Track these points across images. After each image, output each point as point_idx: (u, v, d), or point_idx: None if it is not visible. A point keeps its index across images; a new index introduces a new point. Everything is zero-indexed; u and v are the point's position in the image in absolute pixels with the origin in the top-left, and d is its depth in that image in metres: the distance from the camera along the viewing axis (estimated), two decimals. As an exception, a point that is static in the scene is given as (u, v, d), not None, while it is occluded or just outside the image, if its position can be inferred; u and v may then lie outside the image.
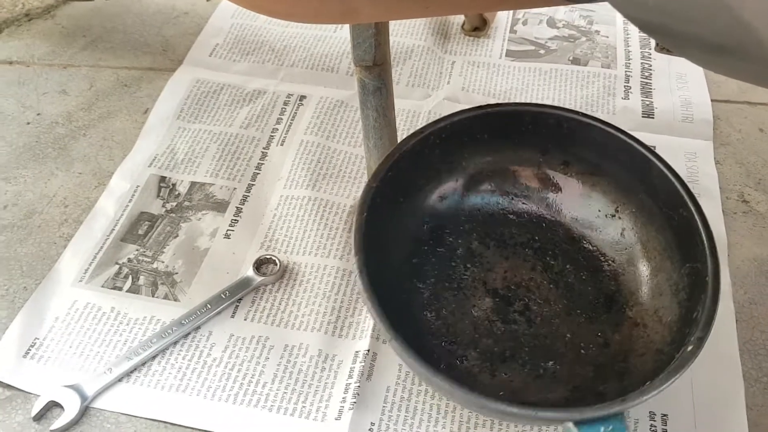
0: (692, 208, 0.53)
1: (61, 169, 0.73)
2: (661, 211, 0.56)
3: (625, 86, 0.80)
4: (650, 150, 0.57)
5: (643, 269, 0.57)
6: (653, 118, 0.77)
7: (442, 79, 0.82)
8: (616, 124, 0.75)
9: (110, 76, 0.84)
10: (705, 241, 0.51)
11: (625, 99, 0.79)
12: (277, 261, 0.63)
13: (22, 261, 0.65)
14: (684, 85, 0.80)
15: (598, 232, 0.60)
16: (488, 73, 0.83)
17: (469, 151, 0.61)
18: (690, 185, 0.69)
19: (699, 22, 0.30)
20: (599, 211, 0.60)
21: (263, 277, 0.62)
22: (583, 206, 0.61)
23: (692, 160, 0.72)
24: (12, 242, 0.66)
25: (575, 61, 0.83)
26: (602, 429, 0.42)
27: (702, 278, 0.49)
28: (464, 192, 0.62)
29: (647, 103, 0.78)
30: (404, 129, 0.75)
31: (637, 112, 0.77)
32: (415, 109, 0.78)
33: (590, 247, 0.60)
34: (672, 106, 0.78)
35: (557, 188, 0.62)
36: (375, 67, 0.59)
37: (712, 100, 0.78)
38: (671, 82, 0.81)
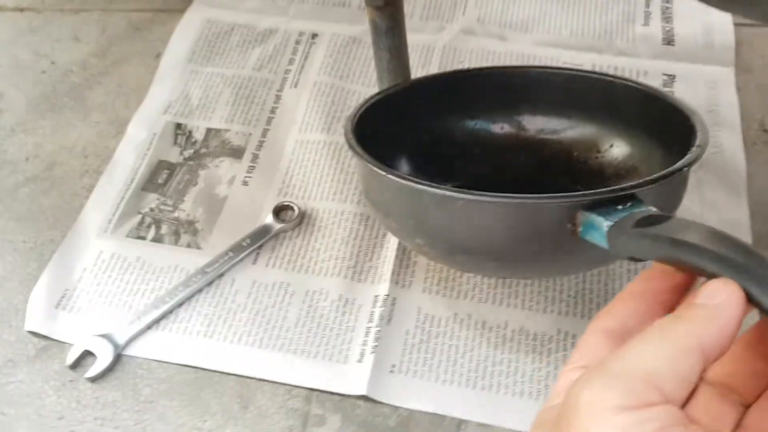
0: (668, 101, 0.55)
1: (78, 118, 0.74)
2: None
3: (645, 11, 0.78)
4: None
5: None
6: (674, 45, 0.75)
7: (457, 10, 0.80)
8: (637, 53, 0.75)
9: (122, 19, 0.84)
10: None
11: (645, 25, 0.76)
12: (295, 207, 0.64)
13: (47, 213, 0.66)
14: (706, 8, 0.77)
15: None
16: (505, 2, 0.81)
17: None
18: (710, 116, 0.69)
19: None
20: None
21: (282, 224, 0.63)
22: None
23: (713, 88, 0.71)
24: (36, 194, 0.68)
25: (594, -14, 0.81)
26: (620, 207, 0.39)
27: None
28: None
29: (668, 29, 0.76)
30: (418, 65, 0.74)
31: (657, 39, 0.75)
32: (430, 44, 0.77)
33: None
34: (693, 31, 0.76)
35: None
36: (387, 6, 0.58)
37: (735, 24, 0.76)
38: (693, 6, 0.78)
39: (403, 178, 0.47)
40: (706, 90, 0.71)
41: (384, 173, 0.47)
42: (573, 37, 0.76)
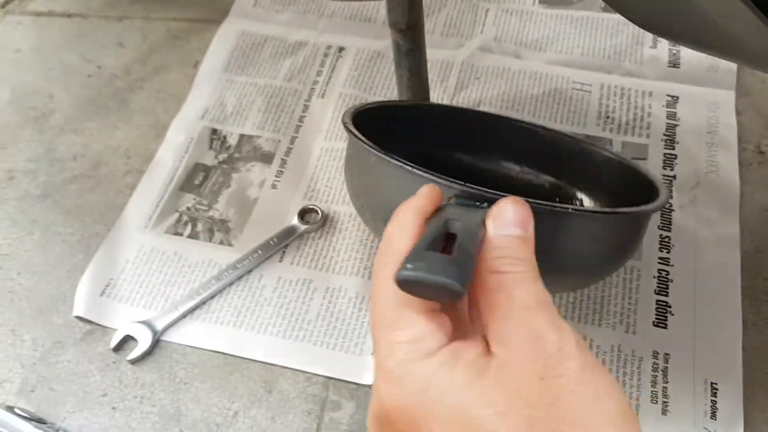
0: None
1: (122, 121, 0.80)
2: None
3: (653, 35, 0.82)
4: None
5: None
6: (679, 67, 0.79)
7: (476, 28, 0.85)
8: (643, 74, 0.79)
9: (161, 27, 0.90)
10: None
11: (652, 48, 0.81)
12: (318, 210, 0.69)
13: (93, 208, 0.73)
14: (712, 33, 0.82)
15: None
16: (521, 21, 0.85)
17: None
18: (709, 136, 0.73)
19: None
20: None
21: (307, 226, 0.69)
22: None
23: (713, 110, 0.75)
24: (83, 191, 0.74)
25: (606, 9, 0.85)
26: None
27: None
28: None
29: (674, 52, 0.80)
30: (437, 80, 0.79)
31: (663, 61, 0.80)
32: (449, 60, 0.82)
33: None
34: (698, 55, 0.80)
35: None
36: (408, 29, 0.63)
37: (739, 50, 0.80)
38: (700, 30, 0.82)
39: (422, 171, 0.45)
40: (707, 111, 0.76)
41: (393, 160, 0.47)
42: (584, 57, 0.81)
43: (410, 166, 0.45)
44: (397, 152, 0.53)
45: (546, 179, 0.65)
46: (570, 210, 0.45)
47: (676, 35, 0.36)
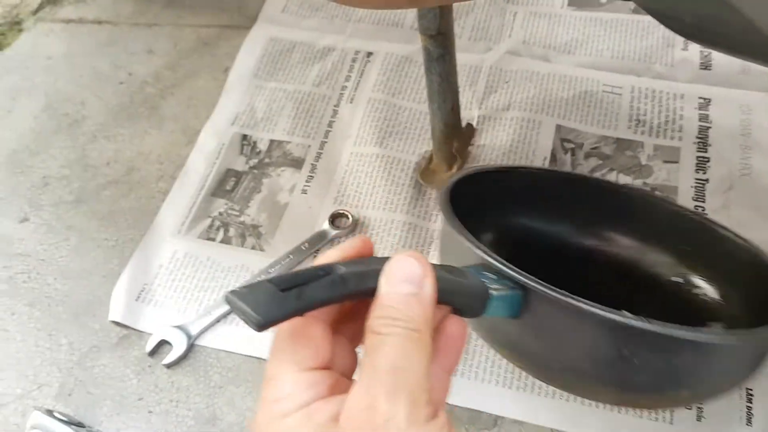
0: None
1: (153, 127, 0.81)
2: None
3: (684, 36, 0.82)
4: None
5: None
6: (711, 69, 0.78)
7: (504, 32, 0.85)
8: (674, 77, 0.79)
9: (191, 34, 0.91)
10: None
11: (684, 50, 0.80)
12: (349, 215, 0.70)
13: (126, 214, 0.74)
14: (745, 35, 0.81)
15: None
16: (550, 24, 0.85)
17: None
18: (742, 138, 0.72)
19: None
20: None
21: (337, 230, 0.69)
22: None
23: (746, 113, 0.74)
24: (117, 197, 0.75)
25: (636, 10, 0.85)
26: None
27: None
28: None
29: (705, 54, 0.80)
30: (466, 84, 0.79)
31: (695, 63, 0.79)
32: (477, 64, 0.82)
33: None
34: (730, 56, 0.79)
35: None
36: (439, 35, 0.63)
37: (772, 51, 0.79)
38: (732, 32, 0.81)
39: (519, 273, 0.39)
40: (741, 114, 0.75)
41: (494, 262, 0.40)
42: (614, 59, 0.81)
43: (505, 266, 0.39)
44: (494, 219, 0.54)
45: (661, 258, 0.58)
46: (717, 341, 0.39)
47: (719, 44, 0.35)
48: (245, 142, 0.78)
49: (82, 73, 0.88)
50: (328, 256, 0.35)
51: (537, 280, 0.38)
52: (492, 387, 0.59)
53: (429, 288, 0.31)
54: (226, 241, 0.70)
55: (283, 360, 0.31)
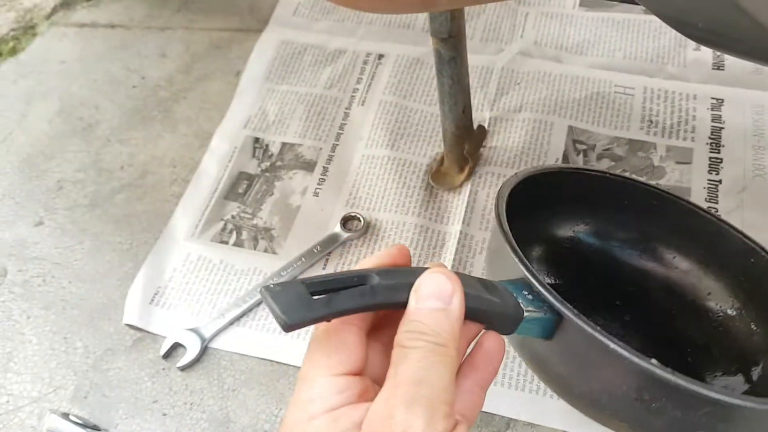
0: None
1: (167, 130, 0.82)
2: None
3: (697, 36, 0.81)
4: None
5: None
6: (723, 70, 0.78)
7: (516, 32, 0.85)
8: (687, 77, 0.78)
9: (203, 38, 0.91)
10: None
11: (696, 50, 0.80)
12: (361, 218, 0.70)
13: (141, 217, 0.74)
14: (758, 34, 0.80)
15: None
16: (561, 25, 0.85)
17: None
18: (755, 139, 0.72)
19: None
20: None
21: (349, 233, 0.69)
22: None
23: (759, 113, 0.74)
24: (131, 200, 0.76)
25: (648, 11, 0.84)
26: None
27: None
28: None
29: (718, 54, 0.79)
30: (477, 87, 0.79)
31: (707, 64, 0.79)
32: (489, 65, 0.82)
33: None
34: (744, 57, 0.79)
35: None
36: (450, 38, 0.64)
37: (786, 50, 0.78)
38: (745, 31, 0.81)
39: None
40: (753, 114, 0.74)
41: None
42: (626, 60, 0.80)
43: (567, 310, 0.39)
44: (546, 225, 0.53)
45: (718, 288, 0.55)
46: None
47: (732, 48, 0.35)
48: (257, 145, 0.78)
49: (95, 77, 0.89)
50: (365, 263, 0.36)
51: (572, 308, 0.38)
52: (505, 390, 0.59)
53: (457, 304, 0.32)
54: (238, 244, 0.70)
55: (316, 363, 0.32)
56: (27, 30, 0.97)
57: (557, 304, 0.38)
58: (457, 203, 0.70)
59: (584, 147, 0.74)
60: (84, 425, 0.59)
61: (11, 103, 0.87)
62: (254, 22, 0.91)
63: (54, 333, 0.67)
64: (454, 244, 0.67)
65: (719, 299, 0.54)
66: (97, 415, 0.61)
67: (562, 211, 0.56)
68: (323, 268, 0.68)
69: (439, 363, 0.31)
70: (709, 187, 0.70)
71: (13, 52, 0.94)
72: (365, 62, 0.84)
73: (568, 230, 0.57)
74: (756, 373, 0.50)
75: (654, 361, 0.36)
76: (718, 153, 0.72)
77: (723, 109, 0.75)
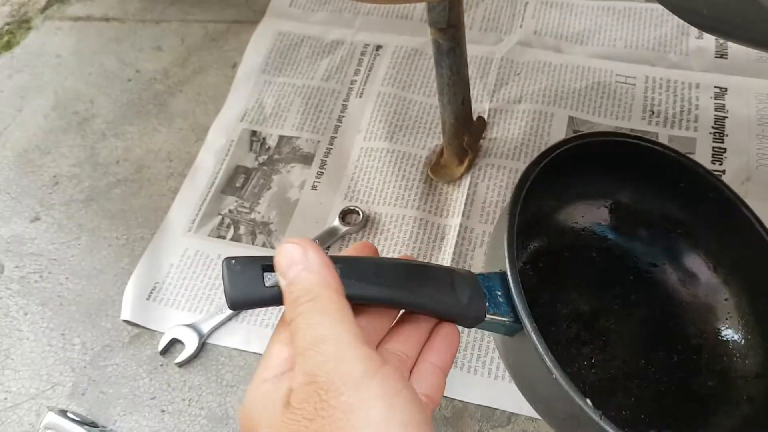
0: None
1: (163, 124, 0.81)
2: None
3: (699, 24, 0.80)
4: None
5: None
6: (726, 58, 0.77)
7: (515, 22, 0.84)
8: (689, 66, 0.77)
9: (199, 30, 0.90)
10: None
11: (698, 38, 0.79)
12: (359, 211, 0.69)
13: (137, 212, 0.73)
14: (761, 22, 0.79)
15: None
16: (561, 14, 0.84)
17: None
18: (759, 128, 0.71)
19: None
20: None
21: (348, 227, 0.68)
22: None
23: (764, 102, 0.73)
24: (127, 195, 0.75)
25: (649, -1, 0.83)
26: None
27: None
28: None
29: (721, 42, 0.78)
30: (476, 77, 0.78)
31: (710, 52, 0.77)
32: (488, 56, 0.81)
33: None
34: (747, 45, 0.78)
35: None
36: (449, 28, 0.63)
37: (789, 38, 0.77)
38: (748, 19, 0.80)
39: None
40: (757, 102, 0.73)
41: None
42: (627, 49, 0.79)
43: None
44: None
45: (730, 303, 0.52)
46: None
47: (737, 36, 0.34)
48: (254, 138, 0.77)
49: (90, 71, 0.88)
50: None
51: (533, 324, 0.38)
52: (506, 384, 0.59)
53: (313, 256, 0.33)
54: (236, 238, 0.70)
55: (275, 337, 0.34)
56: (21, 24, 0.96)
57: (522, 315, 0.38)
58: (456, 196, 0.69)
59: (585, 137, 0.73)
60: (82, 422, 0.58)
61: (6, 97, 0.86)
62: (250, 14, 0.90)
63: (51, 329, 0.66)
64: (454, 237, 0.67)
65: (730, 319, 0.52)
66: (95, 411, 0.61)
67: (589, 194, 0.54)
68: (322, 263, 0.67)
69: (325, 314, 0.32)
70: (711, 177, 0.69)
71: (8, 46, 0.93)
72: (363, 53, 0.83)
73: (588, 220, 0.55)
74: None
75: (588, 401, 0.37)
76: (722, 143, 0.71)
77: (726, 98, 0.74)
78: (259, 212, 0.71)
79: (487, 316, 0.39)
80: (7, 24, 0.96)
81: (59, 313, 0.67)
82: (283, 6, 0.89)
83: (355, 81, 0.80)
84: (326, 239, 0.68)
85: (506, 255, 0.41)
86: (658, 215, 0.54)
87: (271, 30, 0.87)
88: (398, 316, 0.38)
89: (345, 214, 0.69)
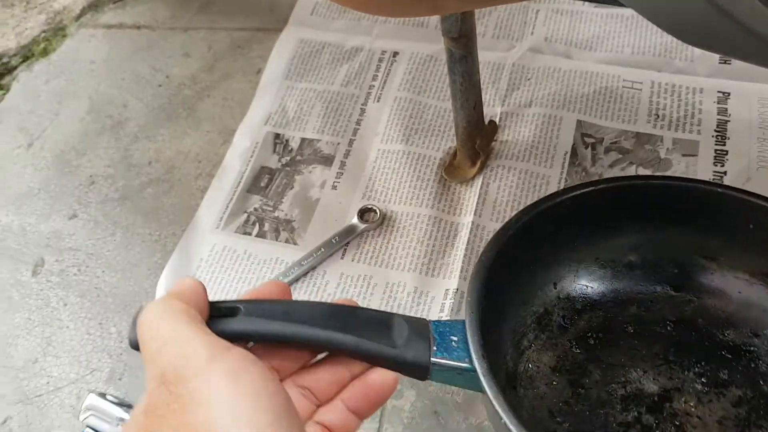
0: None
1: (191, 127, 0.85)
2: None
3: (704, 31, 0.83)
4: None
5: None
6: (730, 63, 0.80)
7: (526, 29, 0.88)
8: (694, 71, 0.80)
9: (225, 37, 0.95)
10: None
11: (703, 45, 0.82)
12: (377, 210, 0.73)
13: (168, 210, 0.78)
14: (764, 29, 0.82)
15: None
16: (571, 21, 0.87)
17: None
18: (760, 131, 0.74)
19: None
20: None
21: (366, 224, 0.72)
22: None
23: (765, 105, 0.76)
24: (158, 194, 0.80)
25: (656, 6, 0.86)
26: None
27: None
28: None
29: (725, 49, 0.81)
30: (488, 83, 0.82)
31: (714, 58, 0.81)
32: (500, 62, 0.85)
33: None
34: (750, 51, 0.81)
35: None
36: (461, 38, 0.66)
37: (791, 44, 0.80)
38: (752, 26, 0.83)
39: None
40: (759, 107, 0.76)
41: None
42: (634, 55, 0.83)
43: None
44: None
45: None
46: None
47: (734, 54, 0.37)
48: (278, 140, 0.82)
49: (123, 77, 0.93)
50: (246, 295, 0.39)
51: (487, 370, 0.36)
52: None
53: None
54: (261, 235, 0.74)
55: None
56: (57, 31, 1.01)
57: (472, 352, 0.37)
58: (469, 195, 0.73)
59: (592, 140, 0.76)
60: (120, 404, 0.63)
61: (44, 102, 0.91)
62: (274, 22, 0.95)
63: (89, 319, 0.71)
64: (467, 235, 0.70)
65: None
66: (131, 395, 0.65)
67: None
68: (341, 258, 0.71)
69: (165, 320, 0.33)
70: (714, 179, 0.72)
71: (45, 53, 0.98)
72: (380, 60, 0.87)
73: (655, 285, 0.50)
74: None
75: None
76: (724, 145, 0.74)
77: (729, 102, 0.77)
78: (282, 210, 0.76)
79: (434, 359, 0.37)
80: (44, 31, 1.01)
81: (96, 303, 0.72)
82: (304, 14, 0.94)
83: (373, 86, 0.85)
84: (345, 236, 0.72)
85: (467, 298, 0.40)
86: (750, 267, 0.48)
87: (293, 37, 0.91)
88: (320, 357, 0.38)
89: (363, 213, 0.74)
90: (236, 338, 0.35)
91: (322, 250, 0.71)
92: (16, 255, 0.77)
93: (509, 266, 0.45)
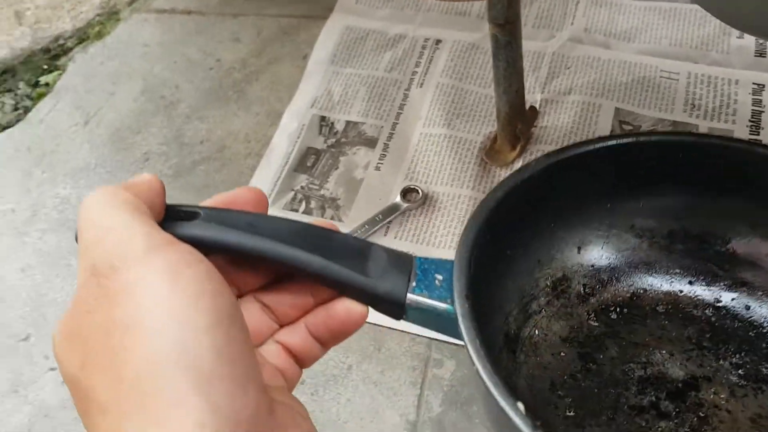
0: None
1: (241, 109, 0.89)
2: None
3: (742, 24, 0.85)
4: None
5: None
6: (765, 57, 0.82)
7: (567, 20, 0.90)
8: (730, 63, 0.82)
9: (273, 24, 0.98)
10: None
11: (739, 38, 0.84)
12: (419, 190, 0.76)
13: (219, 187, 0.82)
14: (801, 22, 0.84)
15: None
16: (611, 13, 0.90)
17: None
18: (793, 126, 0.76)
19: None
20: None
21: (408, 204, 0.76)
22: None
23: (800, 98, 0.78)
24: (210, 171, 0.84)
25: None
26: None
27: None
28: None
29: (761, 42, 0.83)
30: (529, 70, 0.85)
31: (750, 50, 0.82)
32: (540, 51, 0.87)
33: None
34: (787, 44, 0.82)
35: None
36: (507, 24, 0.69)
37: (828, 38, 0.82)
38: (789, 20, 0.84)
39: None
40: (794, 100, 0.78)
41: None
42: (672, 47, 0.85)
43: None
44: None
45: None
46: None
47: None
48: (323, 123, 0.85)
49: (175, 60, 0.97)
50: (213, 200, 0.36)
51: (468, 313, 0.32)
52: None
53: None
54: (307, 212, 0.78)
55: None
56: (111, 16, 1.05)
57: (455, 291, 0.33)
58: (508, 178, 0.76)
59: (630, 127, 0.79)
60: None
61: (99, 82, 0.96)
62: (320, 9, 0.98)
63: (145, 287, 0.75)
64: (505, 215, 0.73)
65: None
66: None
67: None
68: (384, 235, 0.75)
69: (108, 206, 0.30)
70: (747, 167, 0.74)
71: (99, 36, 1.03)
72: (423, 47, 0.90)
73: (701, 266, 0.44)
74: None
75: (520, 404, 0.32)
76: (758, 135, 0.76)
77: (764, 94, 0.79)
78: (327, 189, 0.79)
79: (411, 296, 0.33)
80: (98, 15, 1.05)
81: (152, 272, 0.76)
82: (350, 3, 0.97)
83: (416, 72, 0.88)
84: (388, 214, 0.75)
85: (461, 236, 0.35)
86: None
87: (339, 25, 0.95)
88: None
89: (406, 192, 0.77)
90: (190, 245, 0.30)
91: (366, 227, 0.75)
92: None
93: (522, 215, 0.40)
